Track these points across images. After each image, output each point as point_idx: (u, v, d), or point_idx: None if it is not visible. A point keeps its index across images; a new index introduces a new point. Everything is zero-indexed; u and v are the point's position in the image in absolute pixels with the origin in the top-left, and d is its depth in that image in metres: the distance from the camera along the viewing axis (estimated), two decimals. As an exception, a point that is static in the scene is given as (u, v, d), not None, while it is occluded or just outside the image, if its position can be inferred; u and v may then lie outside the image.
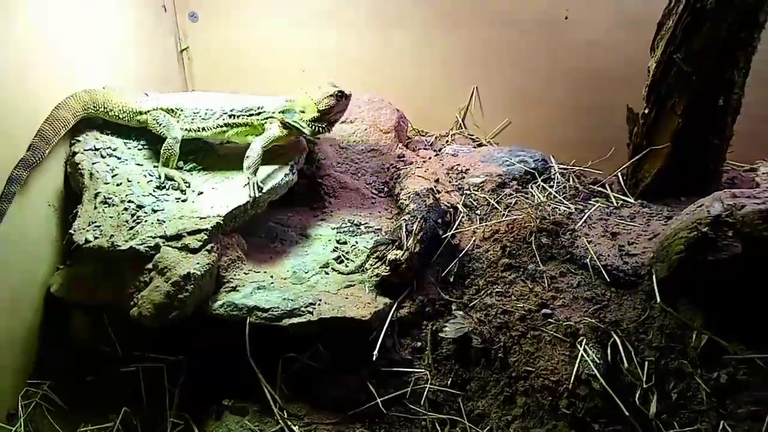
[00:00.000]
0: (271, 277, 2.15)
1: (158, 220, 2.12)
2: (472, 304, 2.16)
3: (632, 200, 2.55)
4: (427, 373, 2.05)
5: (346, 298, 2.10)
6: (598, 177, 2.77)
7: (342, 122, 2.76)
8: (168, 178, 2.31)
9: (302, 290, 2.11)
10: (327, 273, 2.22)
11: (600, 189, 2.66)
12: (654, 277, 2.03)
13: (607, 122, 2.80)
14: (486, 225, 2.35)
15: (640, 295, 2.05)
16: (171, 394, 2.08)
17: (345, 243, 2.37)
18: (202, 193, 2.25)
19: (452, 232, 2.32)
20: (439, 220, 2.32)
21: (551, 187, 2.59)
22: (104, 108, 2.38)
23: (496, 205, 2.46)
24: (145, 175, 2.31)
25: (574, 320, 2.03)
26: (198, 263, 2.00)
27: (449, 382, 2.05)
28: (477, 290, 2.20)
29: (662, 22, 2.40)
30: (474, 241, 2.31)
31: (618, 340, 1.95)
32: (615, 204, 2.53)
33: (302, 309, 2.01)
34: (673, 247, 1.96)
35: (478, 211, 2.46)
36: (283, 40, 3.13)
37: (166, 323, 1.97)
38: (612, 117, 2.68)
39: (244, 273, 2.14)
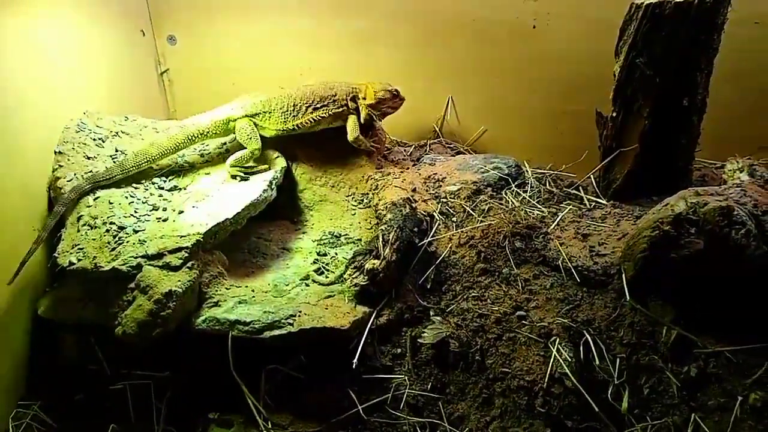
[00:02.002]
0: (253, 291, 2.21)
1: (139, 240, 2.17)
2: (449, 309, 2.22)
3: (605, 201, 2.62)
4: (407, 378, 2.10)
5: (326, 308, 2.15)
6: (574, 180, 2.84)
7: (320, 136, 2.84)
8: (233, 176, 2.52)
9: (283, 303, 2.16)
10: (307, 285, 2.28)
11: (574, 192, 2.72)
12: (623, 275, 2.09)
13: (581, 126, 2.87)
14: (461, 231, 2.41)
15: (611, 294, 2.11)
16: (158, 410, 2.12)
17: (325, 255, 2.43)
18: (182, 212, 2.31)
19: (429, 239, 2.38)
20: (416, 229, 2.38)
21: (525, 192, 2.65)
22: (201, 134, 2.58)
23: (471, 211, 2.52)
24: (126, 197, 2.37)
25: (547, 321, 2.09)
26: (179, 281, 2.05)
27: (429, 387, 2.10)
28: (454, 295, 2.25)
29: (624, 27, 2.48)
30: (450, 247, 2.36)
31: (590, 339, 2.01)
32: (588, 206, 2.59)
33: (283, 321, 2.06)
34: (637, 246, 2.02)
35: (454, 219, 2.52)
36: (263, 59, 3.21)
37: (150, 340, 2.02)
38: (585, 121, 2.75)
39: (226, 288, 2.19)
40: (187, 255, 2.11)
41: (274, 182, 2.51)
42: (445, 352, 2.12)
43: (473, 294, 2.23)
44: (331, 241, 2.51)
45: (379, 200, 2.61)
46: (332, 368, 2.10)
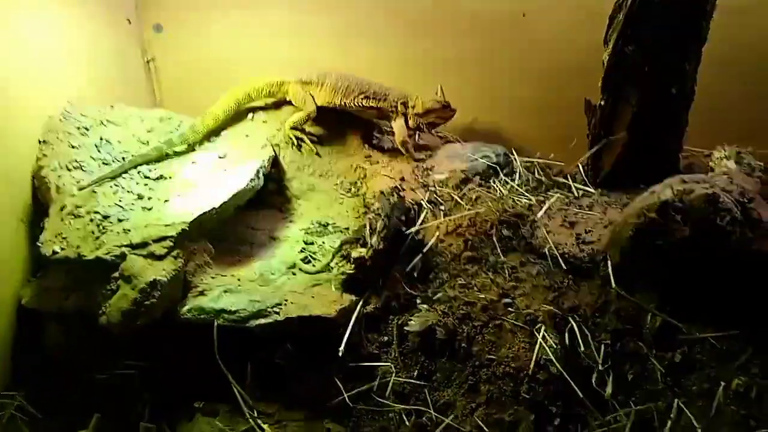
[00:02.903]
0: (239, 280, 2.20)
1: (124, 229, 2.16)
2: (436, 297, 2.21)
3: (592, 190, 2.61)
4: (393, 366, 2.10)
5: (313, 297, 2.15)
6: (563, 169, 2.84)
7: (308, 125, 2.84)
8: (298, 138, 2.72)
9: (269, 291, 2.15)
10: (294, 273, 2.27)
11: (562, 180, 2.72)
12: (609, 263, 2.09)
13: (570, 115, 2.85)
14: (449, 220, 2.40)
15: (597, 281, 2.11)
16: (143, 399, 2.12)
17: (312, 244, 2.42)
18: (167, 201, 2.30)
19: (416, 228, 2.38)
20: (403, 217, 2.37)
21: (513, 180, 2.65)
22: (257, 93, 2.77)
23: (459, 200, 2.51)
24: (110, 186, 2.35)
25: (533, 308, 2.09)
26: (164, 270, 2.04)
27: (415, 374, 2.10)
28: (441, 283, 2.25)
29: (613, 15, 2.46)
30: (438, 236, 2.36)
31: (575, 325, 2.01)
32: (576, 194, 2.59)
33: (269, 310, 2.06)
34: (623, 233, 2.02)
35: (442, 207, 2.52)
36: (251, 49, 3.17)
37: (134, 330, 2.01)
38: (575, 109, 2.73)
39: (212, 277, 2.18)
40: (171, 244, 2.10)
41: (261, 171, 2.49)
42: (431, 340, 2.12)
43: (460, 282, 2.23)
44: (319, 230, 2.50)
45: (368, 189, 2.60)
46: (319, 357, 2.10)
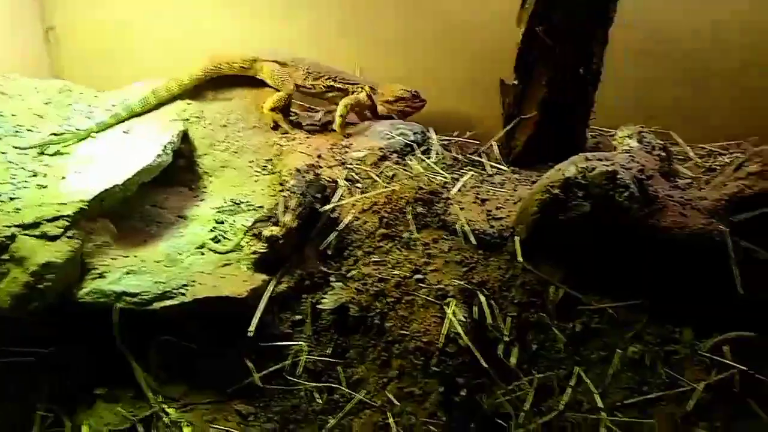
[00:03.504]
0: (143, 261, 2.10)
1: (15, 208, 2.02)
2: (350, 274, 2.20)
3: (505, 168, 2.68)
4: (306, 345, 2.08)
5: (222, 277, 2.09)
6: (478, 147, 2.88)
7: (222, 99, 2.75)
8: (276, 122, 2.72)
9: (176, 272, 2.07)
10: (203, 254, 2.19)
11: (477, 158, 2.77)
12: (516, 238, 2.15)
13: (489, 93, 2.89)
14: (365, 197, 2.39)
15: (505, 256, 2.17)
16: (39, 388, 2.00)
17: (223, 222, 2.35)
18: (64, 177, 2.16)
19: (332, 206, 2.35)
20: (318, 195, 2.34)
21: (429, 158, 2.67)
22: (228, 66, 2.75)
23: (376, 177, 2.51)
24: (2, 162, 2.19)
25: (444, 283, 2.12)
26: (58, 251, 1.92)
27: (329, 352, 2.10)
28: (355, 261, 2.24)
29: (526, -5, 2.51)
30: (353, 213, 2.35)
31: (483, 299, 2.06)
32: (489, 172, 2.65)
33: (174, 291, 1.99)
34: (529, 209, 2.08)
35: (359, 185, 2.50)
36: (160, 18, 3.03)
37: (27, 314, 1.90)
38: (493, 88, 2.77)
39: (112, 258, 2.07)
40: (67, 223, 1.98)
41: (169, 146, 2.39)
42: (345, 317, 2.12)
43: (374, 259, 2.23)
44: (231, 208, 2.43)
45: (284, 166, 2.55)
46: (228, 338, 2.05)
